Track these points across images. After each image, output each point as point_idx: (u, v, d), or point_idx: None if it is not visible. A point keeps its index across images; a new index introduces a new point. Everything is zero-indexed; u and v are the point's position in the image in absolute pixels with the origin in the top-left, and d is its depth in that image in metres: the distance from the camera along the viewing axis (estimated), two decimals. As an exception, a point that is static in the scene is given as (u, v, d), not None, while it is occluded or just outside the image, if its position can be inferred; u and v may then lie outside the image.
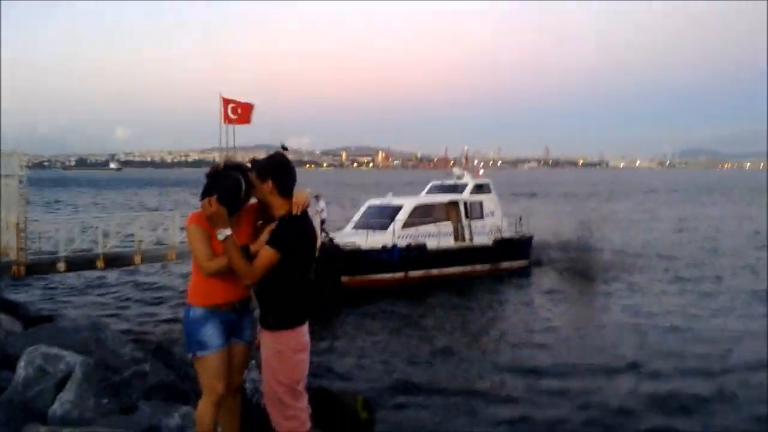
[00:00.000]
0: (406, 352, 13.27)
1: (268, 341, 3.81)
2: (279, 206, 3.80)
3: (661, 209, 56.90)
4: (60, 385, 4.41)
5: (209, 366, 3.73)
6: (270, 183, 3.77)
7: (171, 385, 5.17)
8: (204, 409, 3.77)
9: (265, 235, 3.73)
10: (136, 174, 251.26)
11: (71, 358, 4.86)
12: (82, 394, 4.20)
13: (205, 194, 3.65)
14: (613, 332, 14.80)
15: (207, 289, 3.73)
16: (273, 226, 3.75)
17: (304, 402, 3.89)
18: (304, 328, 3.89)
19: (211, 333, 3.71)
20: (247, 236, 3.83)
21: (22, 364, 4.79)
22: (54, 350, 4.95)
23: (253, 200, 3.90)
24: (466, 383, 11.29)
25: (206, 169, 3.86)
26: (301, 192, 3.88)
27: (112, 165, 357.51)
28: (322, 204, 20.83)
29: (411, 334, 14.91)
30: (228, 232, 3.58)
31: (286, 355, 3.77)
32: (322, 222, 20.09)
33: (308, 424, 3.92)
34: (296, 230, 3.79)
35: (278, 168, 3.84)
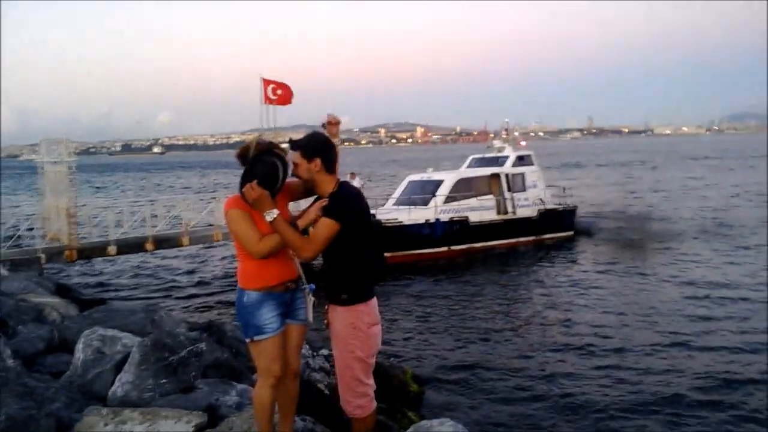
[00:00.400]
0: (452, 329, 13.21)
1: (342, 317, 3.75)
2: (327, 183, 3.77)
3: (712, 176, 55.44)
4: (119, 367, 4.48)
5: (267, 350, 3.69)
6: (318, 161, 3.73)
7: (226, 363, 5.21)
8: (261, 392, 3.74)
9: (313, 212, 3.69)
10: (180, 157, 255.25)
11: (128, 339, 4.94)
12: (141, 374, 4.25)
13: (244, 180, 3.61)
14: (663, 307, 14.37)
15: (259, 272, 3.67)
16: (323, 202, 3.71)
17: (372, 379, 3.88)
18: (375, 301, 3.86)
19: (268, 317, 3.67)
20: (286, 209, 3.82)
21: (80, 346, 4.88)
22: (111, 332, 5.04)
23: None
24: (512, 361, 11.15)
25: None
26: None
27: (156, 149, 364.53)
28: (358, 181, 20.66)
29: (456, 310, 14.83)
30: (275, 212, 3.54)
31: (361, 329, 3.74)
32: None
33: (374, 402, 3.91)
34: (352, 200, 3.76)
35: (324, 146, 3.81)
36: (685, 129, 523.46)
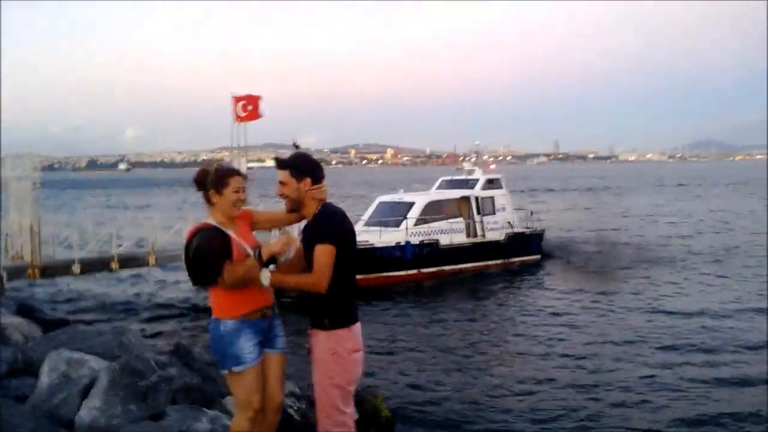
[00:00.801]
0: (423, 354, 13.13)
1: (323, 342, 3.67)
2: (313, 204, 3.73)
3: (673, 204, 56.59)
4: (85, 391, 4.34)
5: (246, 381, 3.57)
6: (308, 181, 3.70)
7: (195, 388, 5.09)
8: (240, 426, 3.61)
9: (278, 245, 3.59)
10: (146, 174, 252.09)
11: (95, 363, 4.80)
12: (109, 400, 4.12)
13: (200, 263, 3.48)
14: (631, 333, 14.47)
15: (233, 300, 3.56)
16: (288, 238, 3.65)
17: (352, 407, 3.79)
18: (359, 326, 3.79)
19: (246, 346, 3.55)
20: (250, 235, 3.75)
21: (45, 369, 4.72)
22: (77, 355, 4.89)
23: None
24: (483, 389, 11.09)
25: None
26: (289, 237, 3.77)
27: (121, 166, 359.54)
28: None
29: (427, 335, 14.76)
30: (267, 274, 3.47)
31: (342, 355, 3.65)
32: None
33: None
34: (341, 220, 3.72)
35: (314, 165, 3.79)
36: (649, 156, 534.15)
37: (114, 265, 15.71)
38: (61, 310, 16.12)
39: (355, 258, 3.79)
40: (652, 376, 11.20)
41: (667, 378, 11.09)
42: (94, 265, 15.90)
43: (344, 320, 3.68)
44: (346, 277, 3.69)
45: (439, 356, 12.94)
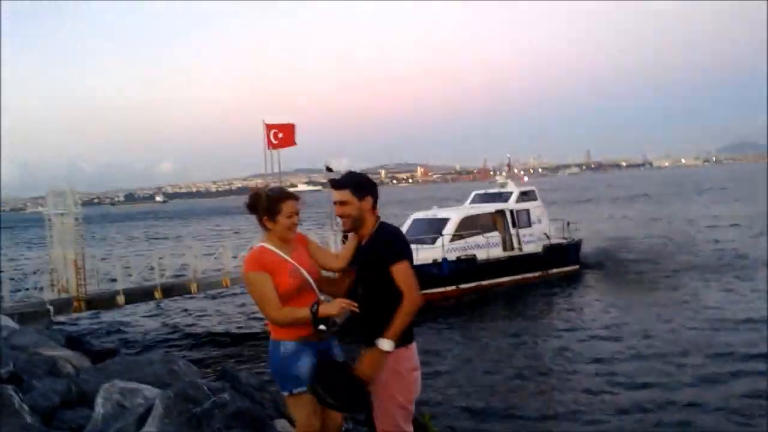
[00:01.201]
0: (466, 370, 13.03)
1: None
2: (371, 223, 3.72)
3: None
4: (141, 421, 4.35)
5: (306, 403, 3.53)
6: (370, 199, 3.70)
7: (247, 412, 5.06)
8: None
9: (336, 306, 3.46)
10: (183, 205, 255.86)
11: (149, 392, 4.81)
12: (165, 428, 4.11)
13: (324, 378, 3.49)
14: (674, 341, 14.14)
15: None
16: (346, 302, 3.62)
17: (411, 426, 3.74)
18: (415, 345, 3.73)
19: (306, 367, 3.52)
20: (307, 259, 3.72)
21: (99, 400, 4.75)
22: (131, 384, 4.91)
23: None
24: (530, 404, 10.99)
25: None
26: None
27: (158, 198, 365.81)
28: None
29: (469, 350, 14.67)
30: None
31: (402, 374, 3.59)
32: None
33: None
34: (404, 237, 3.73)
35: (373, 184, 3.79)
36: (683, 161, 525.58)
37: (157, 294, 15.94)
38: (108, 341, 16.38)
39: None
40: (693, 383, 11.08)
41: (712, 390, 10.81)
42: (138, 295, 16.16)
43: (404, 339, 3.61)
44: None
45: (483, 374, 12.81)
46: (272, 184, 3.85)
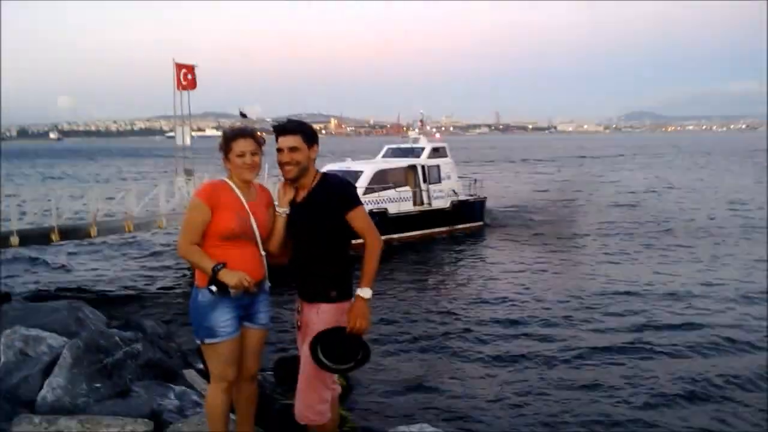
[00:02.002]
0: (379, 320, 13.17)
1: (328, 315, 3.52)
2: (313, 173, 3.62)
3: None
4: (47, 370, 4.16)
5: (219, 353, 3.48)
6: (316, 148, 3.61)
7: (158, 362, 4.95)
8: (214, 396, 3.54)
9: (242, 277, 3.38)
10: (80, 144, 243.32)
11: (53, 340, 4.61)
12: (74, 378, 3.95)
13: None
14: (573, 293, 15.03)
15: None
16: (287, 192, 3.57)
17: (335, 381, 3.74)
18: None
19: (222, 319, 3.44)
20: (263, 212, 3.62)
21: (0, 348, 4.51)
22: (33, 332, 4.68)
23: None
24: (435, 346, 11.42)
25: (155, 137, 3.63)
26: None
27: (52, 135, 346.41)
28: None
29: (379, 304, 14.84)
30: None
31: (342, 327, 3.51)
32: None
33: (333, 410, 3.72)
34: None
35: (317, 134, 3.68)
36: (586, 127, 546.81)
37: (54, 236, 15.10)
38: (2, 284, 15.53)
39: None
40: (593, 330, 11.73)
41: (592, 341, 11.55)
42: (33, 237, 15.25)
43: (346, 293, 3.59)
44: (348, 247, 3.60)
45: (393, 322, 13.01)
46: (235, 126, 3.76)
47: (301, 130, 3.57)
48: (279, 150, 3.56)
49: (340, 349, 3.45)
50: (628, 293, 14.80)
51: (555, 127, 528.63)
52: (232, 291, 3.37)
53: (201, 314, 3.46)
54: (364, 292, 3.44)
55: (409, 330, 12.34)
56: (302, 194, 3.62)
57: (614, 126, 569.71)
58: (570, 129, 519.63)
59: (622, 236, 23.20)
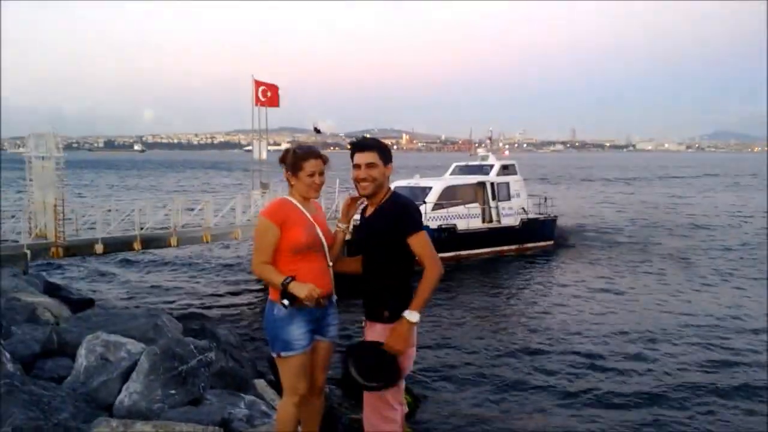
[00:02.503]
0: (445, 339, 13.11)
1: (380, 335, 3.53)
2: (386, 191, 3.64)
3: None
4: (125, 375, 4.33)
5: (293, 366, 3.57)
6: (390, 167, 3.65)
7: (230, 372, 5.09)
8: (286, 409, 3.64)
9: (311, 289, 3.42)
10: (162, 156, 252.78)
11: (132, 346, 4.80)
12: (150, 384, 4.11)
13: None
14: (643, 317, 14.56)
15: None
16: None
17: (402, 404, 3.71)
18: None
19: (298, 332, 3.55)
20: (325, 224, 3.76)
21: (82, 352, 4.72)
22: (114, 338, 4.89)
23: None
24: (504, 369, 11.17)
25: (234, 151, 3.75)
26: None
27: (136, 147, 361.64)
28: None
29: (448, 319, 14.76)
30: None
31: None
32: None
33: (401, 429, 3.69)
34: (417, 206, 3.69)
35: (391, 152, 3.71)
36: (666, 145, 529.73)
37: (136, 245, 15.77)
38: (86, 290, 16.27)
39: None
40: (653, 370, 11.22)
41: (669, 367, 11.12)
42: (117, 245, 15.97)
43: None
44: (408, 268, 3.61)
45: (461, 343, 12.91)
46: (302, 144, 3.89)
47: (378, 147, 3.60)
48: (356, 166, 3.58)
49: (373, 366, 3.44)
50: (706, 326, 14.02)
51: (634, 146, 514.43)
52: (306, 302, 3.45)
53: (277, 328, 3.56)
54: (412, 316, 3.42)
55: (472, 353, 12.17)
56: (371, 210, 3.67)
57: (696, 145, 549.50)
58: (650, 147, 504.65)
59: (701, 261, 22.17)
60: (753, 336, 13.15)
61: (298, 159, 3.65)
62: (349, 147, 3.76)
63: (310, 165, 3.62)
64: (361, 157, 3.57)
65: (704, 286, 18.19)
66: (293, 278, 3.45)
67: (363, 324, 3.71)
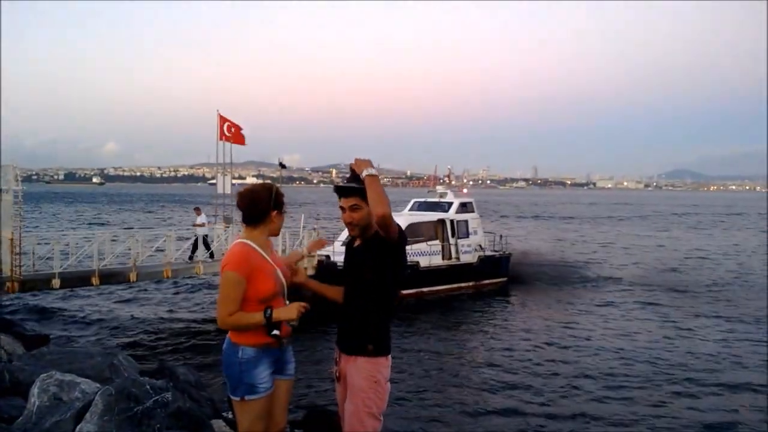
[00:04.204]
0: (405, 374, 13.14)
1: (364, 369, 3.49)
2: (374, 226, 3.59)
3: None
4: (78, 416, 4.24)
5: (256, 409, 3.45)
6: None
7: (188, 412, 5.00)
8: None
9: (297, 307, 3.44)
10: (125, 188, 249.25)
11: (86, 386, 4.71)
12: (104, 425, 4.02)
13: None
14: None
15: (260, 327, 3.43)
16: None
17: None
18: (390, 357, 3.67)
19: (263, 375, 3.44)
20: (282, 264, 3.71)
21: (35, 391, 4.62)
22: (68, 377, 4.79)
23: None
24: (462, 401, 11.43)
25: (197, 184, 3.68)
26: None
27: (95, 180, 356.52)
28: (203, 218, 19.45)
29: (408, 354, 14.80)
30: (274, 333, 3.44)
31: (382, 384, 3.49)
32: (204, 237, 18.62)
33: None
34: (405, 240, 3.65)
35: None
36: (626, 184, 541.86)
37: (94, 280, 15.48)
38: (41, 326, 15.86)
39: (401, 283, 3.69)
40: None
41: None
42: (75, 280, 15.66)
43: (384, 349, 3.56)
44: (391, 303, 3.61)
45: (420, 378, 12.98)
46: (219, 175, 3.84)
47: (360, 190, 3.55)
48: (342, 208, 3.63)
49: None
50: (657, 360, 14.63)
51: (594, 184, 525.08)
52: (294, 322, 3.44)
53: (243, 371, 3.44)
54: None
55: (431, 384, 12.49)
56: (358, 242, 3.69)
57: (654, 184, 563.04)
58: (609, 185, 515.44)
59: (652, 299, 22.70)
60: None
61: (281, 196, 3.61)
62: (328, 184, 3.76)
63: (282, 203, 3.61)
64: (345, 202, 3.60)
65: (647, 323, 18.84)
66: (271, 308, 3.40)
67: (336, 357, 3.70)
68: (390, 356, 3.60)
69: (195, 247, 18.46)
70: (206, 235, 18.84)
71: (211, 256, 18.14)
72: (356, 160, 3.50)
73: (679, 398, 11.82)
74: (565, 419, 10.60)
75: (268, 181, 3.90)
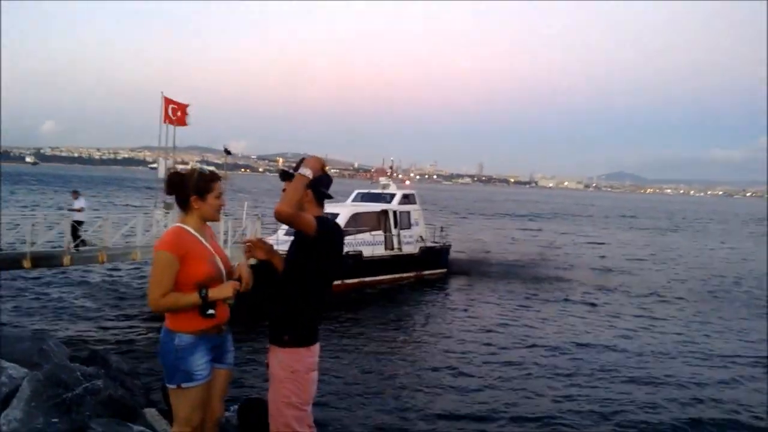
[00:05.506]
0: (344, 362, 13.21)
1: (282, 360, 3.54)
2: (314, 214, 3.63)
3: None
4: (4, 401, 4.11)
5: (192, 397, 3.40)
6: (310, 192, 3.63)
7: (118, 400, 4.92)
8: None
9: (233, 285, 3.45)
10: (61, 170, 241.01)
11: (14, 371, 4.58)
12: (31, 411, 3.92)
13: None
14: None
15: (194, 314, 3.37)
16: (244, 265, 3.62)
17: (310, 427, 3.66)
18: (318, 346, 3.69)
19: (200, 362, 3.39)
20: (221, 249, 3.67)
21: (-41, 376, 4.47)
22: (-5, 361, 4.65)
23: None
24: (400, 391, 11.59)
25: (138, 167, 3.61)
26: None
27: (28, 159, 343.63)
28: (82, 201, 18.62)
29: (347, 342, 14.89)
30: (210, 312, 3.42)
31: (300, 374, 3.53)
32: (79, 223, 17.35)
33: None
34: (335, 233, 3.68)
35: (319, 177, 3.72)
36: (567, 184, 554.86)
37: (26, 263, 14.92)
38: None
39: (329, 276, 3.72)
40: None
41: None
42: (5, 262, 15.09)
43: (307, 339, 3.59)
44: (316, 294, 3.62)
45: (361, 366, 13.10)
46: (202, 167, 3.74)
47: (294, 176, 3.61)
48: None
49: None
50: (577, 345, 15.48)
51: (536, 182, 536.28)
52: (231, 301, 3.43)
53: (179, 359, 3.38)
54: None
55: (371, 375, 12.58)
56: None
57: (594, 185, 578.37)
58: (551, 185, 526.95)
59: (581, 292, 23.59)
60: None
61: (208, 180, 3.54)
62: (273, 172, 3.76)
63: (218, 186, 3.54)
64: (285, 185, 3.62)
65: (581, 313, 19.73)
66: (206, 287, 3.35)
67: (267, 348, 3.68)
68: (315, 346, 3.65)
69: (74, 232, 16.85)
70: (81, 222, 17.52)
71: (81, 244, 16.72)
72: (312, 156, 3.60)
73: (604, 390, 12.29)
74: (498, 412, 10.80)
75: (197, 166, 3.83)
